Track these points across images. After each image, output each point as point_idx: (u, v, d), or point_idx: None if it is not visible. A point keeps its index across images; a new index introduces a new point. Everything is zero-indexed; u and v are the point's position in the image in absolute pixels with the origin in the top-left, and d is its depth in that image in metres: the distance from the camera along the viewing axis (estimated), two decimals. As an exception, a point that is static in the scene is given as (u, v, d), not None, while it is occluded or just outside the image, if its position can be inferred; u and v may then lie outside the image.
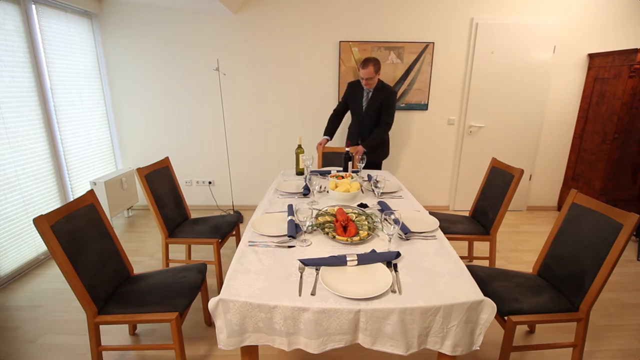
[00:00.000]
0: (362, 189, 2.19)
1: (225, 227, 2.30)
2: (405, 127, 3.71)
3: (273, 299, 1.10)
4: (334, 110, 3.13)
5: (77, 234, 1.46)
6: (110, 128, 3.68)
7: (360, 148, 2.85)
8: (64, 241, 1.37)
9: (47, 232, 1.31)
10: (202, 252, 2.92)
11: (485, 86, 3.55)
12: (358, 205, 1.92)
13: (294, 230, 1.52)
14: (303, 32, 3.43)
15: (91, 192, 1.65)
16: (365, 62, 2.68)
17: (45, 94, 2.80)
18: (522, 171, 2.09)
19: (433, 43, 3.44)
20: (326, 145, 3.08)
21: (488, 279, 1.67)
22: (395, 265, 1.30)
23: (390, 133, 3.07)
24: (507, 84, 3.55)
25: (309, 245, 1.47)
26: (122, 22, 3.37)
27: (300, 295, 1.13)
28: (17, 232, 2.55)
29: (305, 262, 1.30)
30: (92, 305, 1.44)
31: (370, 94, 2.90)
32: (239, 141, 3.76)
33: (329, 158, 3.09)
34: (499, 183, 2.25)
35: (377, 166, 3.12)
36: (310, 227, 1.57)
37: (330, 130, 3.11)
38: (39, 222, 1.29)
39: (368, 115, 2.93)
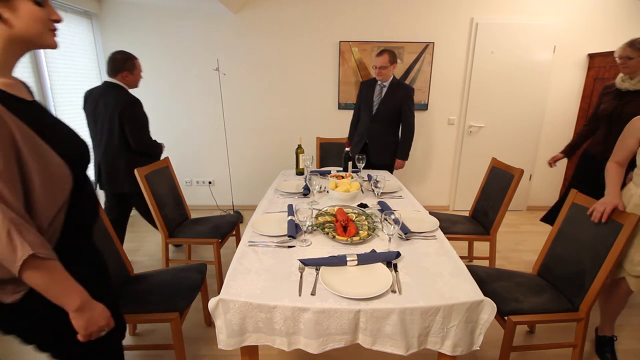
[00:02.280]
0: (362, 189, 2.19)
1: (225, 227, 2.30)
2: (405, 127, 3.71)
3: (273, 299, 1.10)
4: (353, 117, 3.08)
5: (77, 234, 1.46)
6: (110, 128, 3.68)
7: (401, 163, 2.91)
8: (64, 241, 1.37)
9: (47, 232, 1.30)
10: (202, 252, 2.92)
11: (485, 86, 3.55)
12: (358, 205, 1.92)
13: (294, 230, 1.52)
14: (303, 32, 3.43)
15: (91, 192, 1.64)
16: (381, 51, 2.67)
17: (45, 94, 2.79)
18: (522, 171, 2.09)
19: (433, 43, 3.44)
20: (323, 137, 3.27)
21: (488, 279, 1.67)
22: (395, 265, 1.30)
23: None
24: (507, 84, 3.54)
25: (309, 245, 1.47)
26: (122, 22, 3.37)
27: (300, 295, 1.13)
28: (17, 232, 2.54)
29: (305, 262, 1.30)
30: (92, 305, 1.44)
31: (385, 90, 2.77)
32: (239, 141, 3.76)
33: (325, 149, 3.26)
34: (499, 183, 2.25)
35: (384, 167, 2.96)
36: (310, 227, 1.57)
37: (350, 139, 3.09)
38: (39, 222, 1.28)
39: (381, 111, 2.79)
